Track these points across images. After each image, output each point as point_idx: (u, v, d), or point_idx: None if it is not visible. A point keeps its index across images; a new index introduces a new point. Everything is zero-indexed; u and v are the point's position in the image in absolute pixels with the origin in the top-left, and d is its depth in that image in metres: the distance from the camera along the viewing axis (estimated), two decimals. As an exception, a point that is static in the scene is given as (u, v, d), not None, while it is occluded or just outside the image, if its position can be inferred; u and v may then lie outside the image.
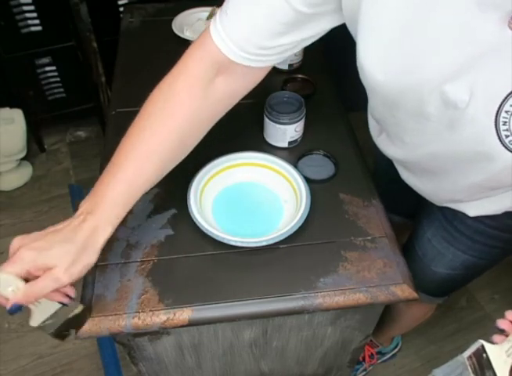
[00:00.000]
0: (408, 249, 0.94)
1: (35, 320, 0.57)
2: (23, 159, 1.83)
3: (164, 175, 0.63)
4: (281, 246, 0.71)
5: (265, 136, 0.88)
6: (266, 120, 0.84)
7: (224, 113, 0.66)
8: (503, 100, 0.47)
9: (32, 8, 1.56)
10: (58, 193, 1.81)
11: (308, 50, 1.03)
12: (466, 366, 0.51)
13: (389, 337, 1.35)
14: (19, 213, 1.74)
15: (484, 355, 0.50)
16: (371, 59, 0.54)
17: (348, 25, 0.57)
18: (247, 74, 0.62)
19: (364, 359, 1.34)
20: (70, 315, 0.59)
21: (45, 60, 1.70)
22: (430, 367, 1.50)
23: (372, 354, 1.35)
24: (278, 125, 0.83)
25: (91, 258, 0.56)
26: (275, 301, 0.65)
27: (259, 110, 0.87)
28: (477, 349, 0.51)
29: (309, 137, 0.89)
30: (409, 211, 1.00)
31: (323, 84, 1.00)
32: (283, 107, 0.85)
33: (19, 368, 1.35)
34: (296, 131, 0.84)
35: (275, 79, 1.00)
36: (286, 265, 0.69)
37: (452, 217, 0.79)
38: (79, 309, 0.60)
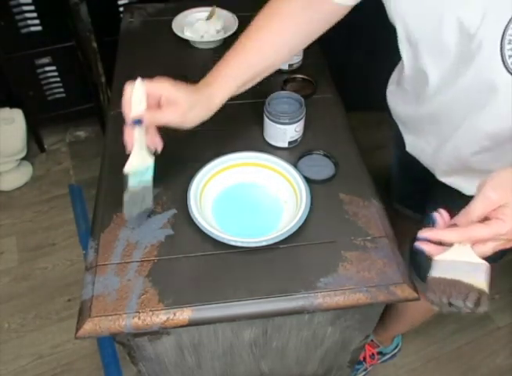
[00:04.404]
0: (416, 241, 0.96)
1: (128, 167, 0.66)
2: (23, 159, 1.83)
3: (264, 75, 0.75)
4: (281, 246, 0.71)
5: (265, 136, 0.88)
6: (266, 120, 0.84)
7: (311, 40, 0.76)
8: (511, 18, 0.49)
9: (32, 8, 1.56)
10: (58, 193, 1.81)
11: (308, 50, 1.03)
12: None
13: (393, 334, 1.35)
14: (19, 213, 1.74)
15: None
16: None
17: None
18: (329, 5, 0.71)
19: (365, 359, 1.34)
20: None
21: (45, 60, 1.70)
22: (430, 367, 1.51)
23: (373, 354, 1.35)
24: (278, 125, 0.83)
25: (203, 111, 0.68)
26: (275, 301, 0.65)
27: (259, 110, 0.87)
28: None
29: (309, 137, 0.89)
30: (420, 205, 1.02)
31: (323, 84, 1.00)
32: (283, 107, 0.85)
33: (19, 368, 1.36)
34: (296, 131, 0.84)
35: (275, 79, 1.00)
36: (286, 265, 0.69)
37: (451, 204, 0.81)
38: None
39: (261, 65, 0.73)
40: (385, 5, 0.65)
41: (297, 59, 1.02)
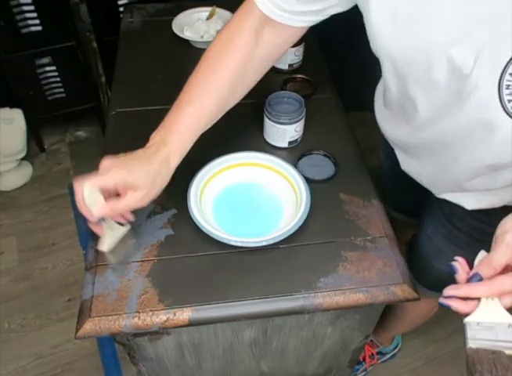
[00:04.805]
0: (411, 246, 0.95)
1: (105, 246, 0.68)
2: (23, 159, 1.83)
3: (222, 114, 0.71)
4: (281, 246, 0.71)
5: (265, 136, 0.88)
6: (266, 120, 0.84)
7: (272, 63, 0.73)
8: (508, 62, 0.47)
9: (32, 8, 1.56)
10: (58, 193, 1.81)
11: (308, 50, 1.03)
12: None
13: (392, 335, 1.35)
14: (19, 213, 1.74)
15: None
16: (380, 16, 0.55)
17: None
18: (286, 29, 0.68)
19: (364, 359, 1.34)
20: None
21: (45, 60, 1.70)
22: (430, 367, 1.50)
23: (372, 354, 1.35)
24: (278, 125, 0.83)
25: (164, 181, 0.65)
26: (275, 301, 0.65)
27: (259, 110, 0.87)
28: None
29: (309, 137, 0.89)
30: (413, 209, 1.01)
31: (323, 84, 1.00)
32: (283, 107, 0.85)
33: (19, 368, 1.36)
34: (296, 131, 0.84)
35: (275, 79, 1.00)
36: (286, 265, 0.69)
37: (450, 214, 0.80)
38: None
39: (219, 105, 0.70)
40: (369, 39, 0.60)
41: (297, 59, 1.02)
